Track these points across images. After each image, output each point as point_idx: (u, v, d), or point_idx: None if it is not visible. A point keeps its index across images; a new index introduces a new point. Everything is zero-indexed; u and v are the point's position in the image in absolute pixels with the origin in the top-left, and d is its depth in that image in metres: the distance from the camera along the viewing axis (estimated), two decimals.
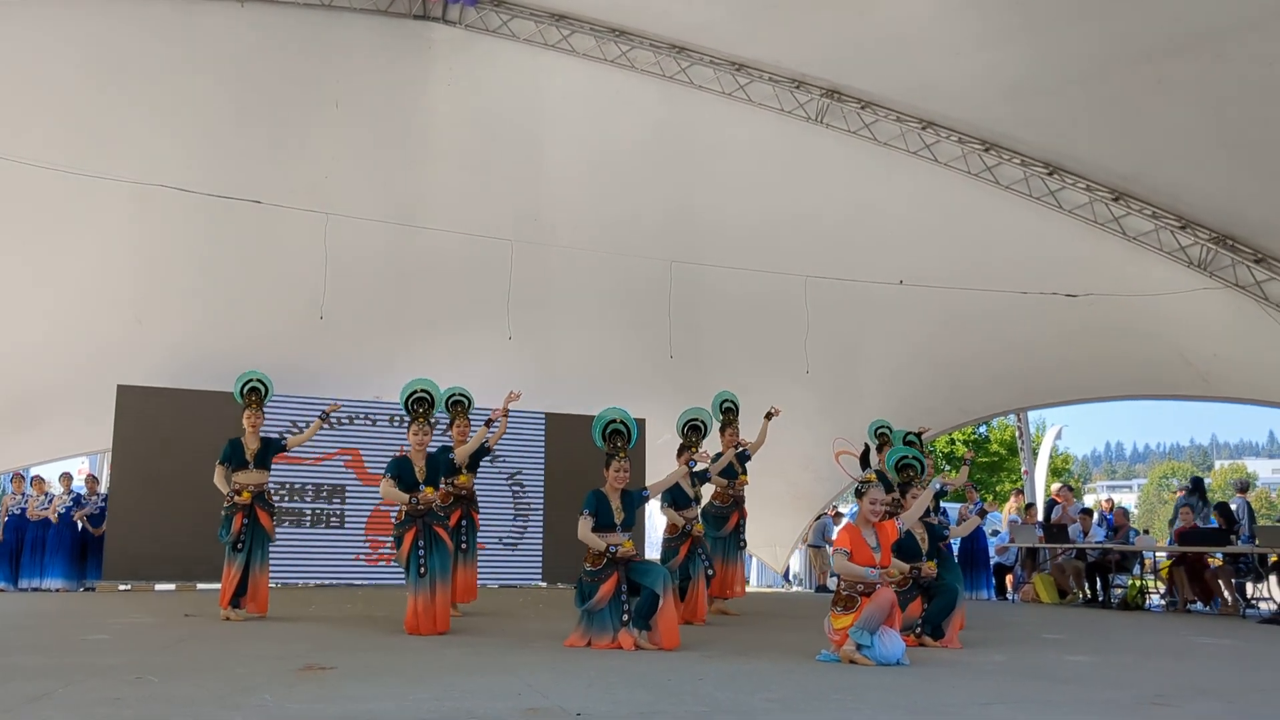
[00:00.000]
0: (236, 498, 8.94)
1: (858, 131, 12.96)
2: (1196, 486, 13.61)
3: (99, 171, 12.05)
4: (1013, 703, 5.03)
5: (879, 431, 10.49)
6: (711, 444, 10.15)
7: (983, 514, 12.30)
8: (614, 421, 7.45)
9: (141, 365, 13.60)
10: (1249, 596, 11.91)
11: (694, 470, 9.36)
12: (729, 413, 10.34)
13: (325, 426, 10.01)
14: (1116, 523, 13.87)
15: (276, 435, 9.76)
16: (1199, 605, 12.26)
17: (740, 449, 10.29)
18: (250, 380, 9.28)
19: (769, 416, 10.32)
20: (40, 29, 11.68)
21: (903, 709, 4.72)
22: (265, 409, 9.36)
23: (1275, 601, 11.42)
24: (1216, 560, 12.12)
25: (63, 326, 13.49)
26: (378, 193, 13.42)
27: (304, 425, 11.95)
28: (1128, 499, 68.05)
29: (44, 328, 13.39)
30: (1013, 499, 17.08)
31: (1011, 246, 13.33)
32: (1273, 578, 11.37)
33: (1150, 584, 13.21)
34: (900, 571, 7.53)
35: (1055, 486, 17.72)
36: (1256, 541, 11.44)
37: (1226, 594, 11.87)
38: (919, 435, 9.78)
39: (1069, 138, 12.07)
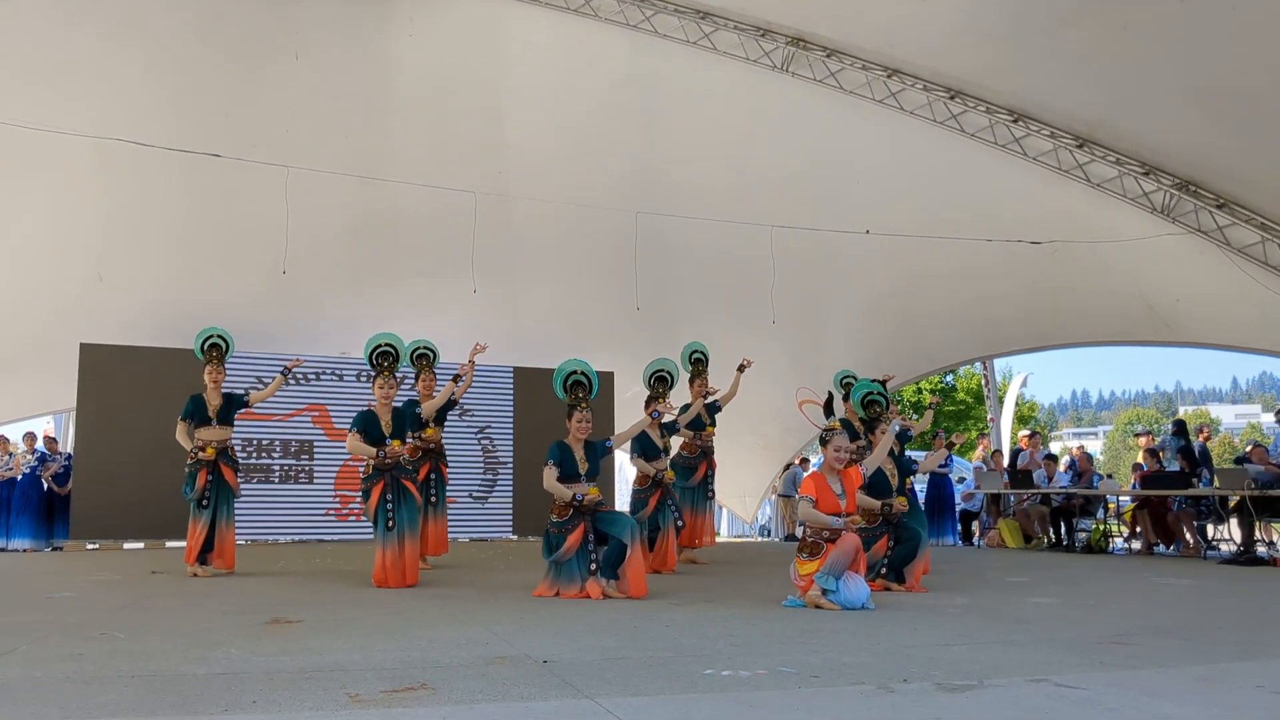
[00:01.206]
0: (200, 454, 8.90)
1: (823, 80, 12.89)
2: (1180, 429, 13.79)
3: (57, 124, 11.83)
4: (974, 643, 5.08)
5: (844, 381, 10.53)
6: (681, 395, 10.16)
7: (950, 446, 12.36)
8: (575, 373, 7.46)
9: (104, 323, 13.46)
10: (1210, 538, 12.13)
11: (662, 421, 9.38)
12: (698, 364, 10.36)
13: (291, 383, 9.97)
14: (1080, 468, 14.03)
15: (241, 391, 9.70)
16: (1162, 547, 12.46)
17: (711, 399, 10.31)
18: (210, 336, 9.21)
19: (741, 369, 10.34)
20: None
21: (866, 651, 4.77)
22: (232, 366, 9.31)
23: (1235, 542, 11.61)
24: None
25: (24, 284, 13.31)
26: (339, 145, 13.27)
27: (270, 382, 11.86)
28: (1093, 445, 69.04)
29: (4, 286, 13.20)
30: (981, 446, 17.21)
31: (976, 194, 13.36)
32: (1233, 519, 11.54)
33: (1114, 528, 13.40)
34: (870, 509, 7.59)
35: (1021, 433, 17.89)
36: (1216, 483, 11.61)
37: (1189, 536, 12.06)
38: (884, 384, 9.81)
39: (1034, 84, 12.06)
